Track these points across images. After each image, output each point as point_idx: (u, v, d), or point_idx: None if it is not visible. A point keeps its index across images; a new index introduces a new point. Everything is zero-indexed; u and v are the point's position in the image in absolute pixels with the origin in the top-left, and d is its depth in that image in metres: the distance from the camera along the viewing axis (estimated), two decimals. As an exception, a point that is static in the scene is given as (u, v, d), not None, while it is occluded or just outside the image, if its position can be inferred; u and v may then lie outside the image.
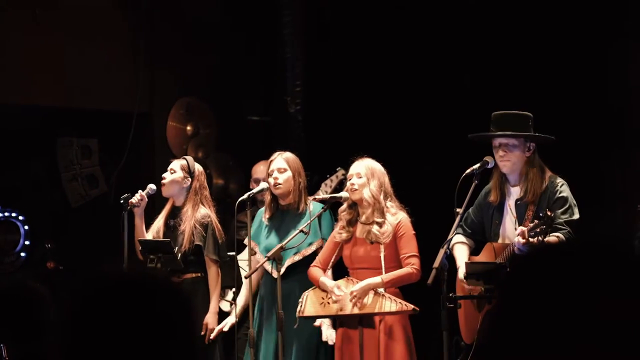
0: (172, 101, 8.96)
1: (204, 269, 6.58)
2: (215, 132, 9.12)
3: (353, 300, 5.85)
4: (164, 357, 1.74)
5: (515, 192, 5.68)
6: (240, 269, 6.84)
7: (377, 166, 6.06)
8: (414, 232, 6.00)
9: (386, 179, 6.06)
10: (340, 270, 6.23)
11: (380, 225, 5.96)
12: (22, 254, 8.68)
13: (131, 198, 6.62)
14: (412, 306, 5.80)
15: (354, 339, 5.92)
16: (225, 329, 6.53)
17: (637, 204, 7.16)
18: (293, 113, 8.64)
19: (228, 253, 6.70)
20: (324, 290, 6.02)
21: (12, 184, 8.69)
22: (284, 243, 6.09)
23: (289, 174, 6.40)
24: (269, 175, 6.45)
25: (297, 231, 6.08)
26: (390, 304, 5.84)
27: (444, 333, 5.50)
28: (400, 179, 7.17)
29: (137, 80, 8.69)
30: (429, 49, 8.12)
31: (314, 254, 6.31)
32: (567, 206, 5.56)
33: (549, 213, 5.26)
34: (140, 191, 6.62)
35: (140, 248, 6.59)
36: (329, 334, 6.27)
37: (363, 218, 6.00)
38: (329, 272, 6.21)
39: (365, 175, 5.98)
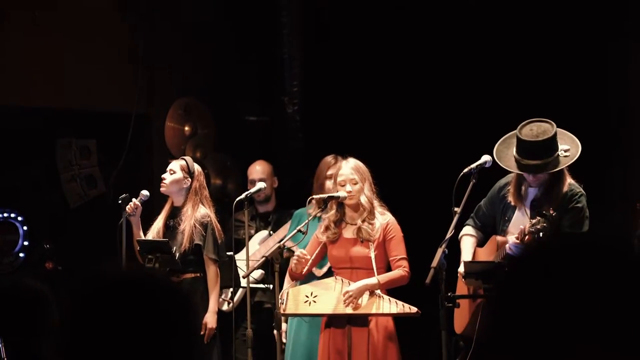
0: (170, 102, 8.96)
1: (203, 269, 6.58)
2: (213, 132, 9.11)
3: (348, 300, 5.85)
4: (164, 357, 1.74)
5: (532, 193, 5.63)
6: (239, 268, 6.84)
7: (363, 166, 6.06)
8: (402, 233, 6.01)
9: (371, 179, 6.07)
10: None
11: (370, 223, 5.97)
12: (21, 255, 8.68)
13: (129, 201, 6.63)
14: (416, 309, 5.78)
15: (343, 337, 5.90)
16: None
17: (637, 202, 7.17)
18: (291, 113, 8.65)
19: (227, 253, 6.71)
20: (304, 285, 6.00)
21: (11, 185, 8.68)
22: (282, 243, 6.09)
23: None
24: (327, 178, 6.44)
25: (295, 230, 6.09)
26: (390, 305, 5.83)
27: (442, 333, 5.49)
28: (398, 177, 7.19)
29: (136, 81, 8.69)
30: (427, 48, 8.12)
31: None
32: (579, 217, 5.51)
33: (551, 212, 5.25)
34: (134, 199, 6.61)
35: (138, 248, 6.59)
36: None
37: (358, 220, 5.99)
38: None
39: (360, 180, 5.98)
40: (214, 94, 9.01)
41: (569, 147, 5.51)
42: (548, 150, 5.45)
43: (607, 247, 1.54)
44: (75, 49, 8.42)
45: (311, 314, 6.03)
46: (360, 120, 8.25)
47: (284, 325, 6.42)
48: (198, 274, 6.58)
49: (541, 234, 5.21)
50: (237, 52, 9.05)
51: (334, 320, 5.96)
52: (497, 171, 5.68)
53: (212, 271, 6.55)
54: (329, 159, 6.58)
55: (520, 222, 5.53)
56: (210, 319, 6.49)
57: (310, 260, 6.04)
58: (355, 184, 5.97)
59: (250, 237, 7.21)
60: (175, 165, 6.74)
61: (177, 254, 6.53)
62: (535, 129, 5.48)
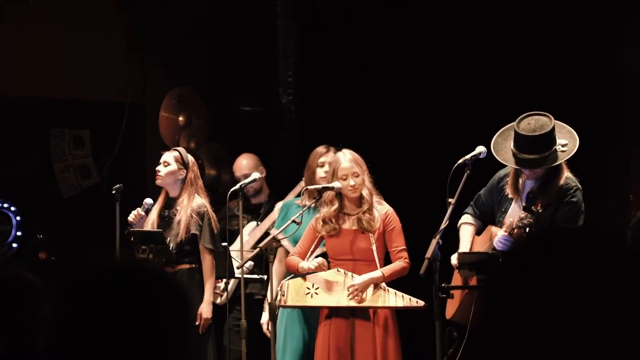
0: (164, 92, 8.94)
1: (199, 259, 6.57)
2: (208, 122, 9.10)
3: (353, 294, 5.84)
4: (159, 347, 1.73)
5: (529, 185, 5.62)
6: (233, 259, 6.83)
7: (359, 157, 6.05)
8: (400, 224, 6.01)
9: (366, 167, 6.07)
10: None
11: (370, 214, 5.97)
12: (14, 245, 8.66)
13: (123, 191, 6.65)
14: (422, 302, 5.78)
15: (346, 330, 5.91)
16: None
17: (630, 194, 7.18)
18: (285, 103, 8.63)
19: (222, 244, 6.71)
20: (304, 277, 5.98)
21: (4, 175, 8.67)
22: (276, 233, 6.09)
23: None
24: (318, 165, 6.42)
25: (289, 221, 6.08)
26: (396, 299, 5.84)
27: (436, 323, 5.50)
28: (393, 168, 7.18)
29: (130, 71, 8.67)
30: (422, 39, 8.11)
31: None
32: (573, 212, 5.49)
33: (538, 208, 5.25)
34: (138, 209, 6.59)
35: (132, 239, 6.58)
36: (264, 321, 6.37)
37: (355, 211, 5.99)
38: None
39: (361, 172, 5.98)
40: (208, 84, 8.99)
41: (567, 142, 5.49)
42: (545, 145, 5.43)
43: (601, 238, 1.54)
44: (69, 38, 8.40)
45: (313, 306, 6.01)
46: (355, 111, 8.24)
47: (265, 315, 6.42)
48: (194, 265, 6.57)
49: (527, 230, 5.21)
50: (231, 42, 9.03)
51: (336, 312, 5.96)
52: (492, 162, 5.67)
53: (207, 261, 6.55)
54: (321, 148, 6.57)
55: (515, 214, 5.53)
56: (205, 309, 6.49)
57: (309, 252, 6.05)
58: (357, 176, 5.97)
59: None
60: (169, 156, 6.72)
61: (172, 245, 6.53)
62: (533, 123, 5.46)
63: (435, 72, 7.99)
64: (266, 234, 6.94)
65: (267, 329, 6.34)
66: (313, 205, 6.22)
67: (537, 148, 5.42)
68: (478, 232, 5.89)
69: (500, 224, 5.68)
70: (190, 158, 6.76)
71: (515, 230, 5.29)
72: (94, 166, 8.93)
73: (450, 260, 5.68)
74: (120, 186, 6.72)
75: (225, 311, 6.83)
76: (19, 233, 8.64)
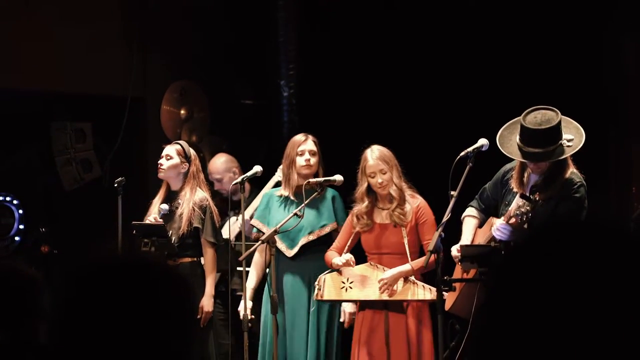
0: (166, 85, 8.94)
1: (200, 253, 6.58)
2: (209, 115, 9.10)
3: (383, 287, 5.88)
4: (161, 340, 1.73)
5: (533, 179, 5.61)
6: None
7: (388, 152, 6.07)
8: (433, 217, 6.01)
9: (397, 162, 6.07)
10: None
11: (402, 208, 5.99)
12: (17, 238, 8.68)
13: (125, 184, 6.66)
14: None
15: (379, 322, 5.95)
16: (247, 312, 6.41)
17: (633, 186, 7.17)
18: (287, 96, 8.63)
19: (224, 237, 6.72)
20: (339, 271, 6.03)
21: (6, 168, 8.67)
22: (278, 226, 6.09)
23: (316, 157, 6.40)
24: (298, 154, 6.41)
25: (291, 214, 6.10)
26: (424, 292, 5.87)
27: (438, 317, 5.51)
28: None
29: (131, 64, 8.66)
30: (424, 31, 8.10)
31: (329, 235, 6.36)
32: (575, 208, 5.47)
33: (536, 197, 5.25)
34: (155, 216, 6.57)
35: (134, 232, 6.59)
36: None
37: (388, 206, 6.00)
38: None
39: (388, 169, 5.99)
40: (209, 77, 8.99)
41: (572, 137, 5.48)
42: (550, 139, 5.41)
43: (605, 229, 1.53)
44: (70, 31, 8.38)
45: (347, 299, 6.11)
46: (357, 103, 8.24)
47: (249, 303, 6.39)
48: (195, 258, 6.58)
49: (524, 217, 5.20)
50: (233, 36, 9.02)
51: (370, 304, 6.01)
52: (494, 155, 5.66)
53: (209, 254, 6.56)
54: (299, 136, 6.53)
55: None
56: (206, 303, 6.49)
57: (346, 247, 6.12)
58: (384, 173, 5.99)
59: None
60: (171, 150, 6.72)
61: (174, 238, 6.53)
62: (540, 117, 5.45)
63: (437, 66, 7.98)
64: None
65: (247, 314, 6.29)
66: (317, 197, 6.25)
67: (542, 142, 5.41)
68: (481, 225, 5.89)
69: (501, 216, 5.67)
70: (192, 151, 6.76)
71: (513, 219, 5.29)
72: (96, 159, 8.93)
73: (451, 252, 5.68)
74: (122, 179, 6.73)
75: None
76: (21, 226, 8.65)
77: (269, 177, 7.08)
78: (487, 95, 7.54)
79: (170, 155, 6.70)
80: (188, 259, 6.58)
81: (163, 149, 6.78)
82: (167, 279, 1.79)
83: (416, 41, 8.12)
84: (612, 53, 7.66)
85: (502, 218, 5.46)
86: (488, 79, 7.68)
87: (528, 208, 5.19)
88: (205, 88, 9.04)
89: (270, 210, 6.49)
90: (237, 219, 7.30)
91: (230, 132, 8.98)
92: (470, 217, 5.88)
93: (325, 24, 8.65)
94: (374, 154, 6.02)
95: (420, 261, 5.90)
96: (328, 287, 6.04)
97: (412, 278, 5.90)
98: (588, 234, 1.53)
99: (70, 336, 1.74)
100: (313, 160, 6.38)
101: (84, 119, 8.93)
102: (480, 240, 5.75)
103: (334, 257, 6.09)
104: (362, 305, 6.07)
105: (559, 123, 5.43)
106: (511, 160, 5.67)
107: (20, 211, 8.64)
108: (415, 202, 6.04)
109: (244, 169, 7.09)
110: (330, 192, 6.44)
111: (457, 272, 5.81)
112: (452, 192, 5.52)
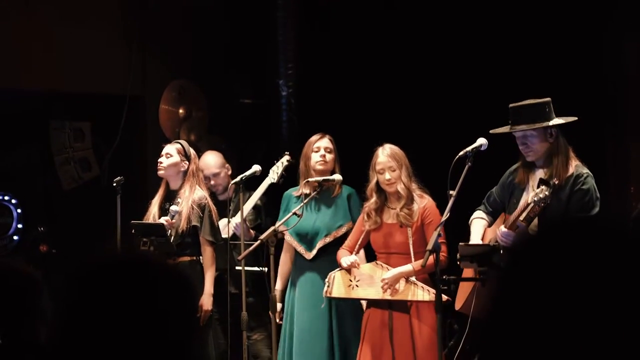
0: (164, 84, 8.94)
1: (199, 252, 6.59)
2: (208, 114, 9.10)
3: (385, 287, 5.90)
4: (162, 339, 1.73)
5: (539, 174, 5.61)
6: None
7: (399, 151, 6.07)
8: (440, 217, 6.01)
9: (408, 162, 6.07)
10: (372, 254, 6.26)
11: (408, 208, 6.00)
12: (15, 238, 8.67)
13: (124, 184, 6.66)
14: (447, 297, 5.79)
15: (384, 321, 5.97)
16: (278, 320, 6.45)
17: (631, 186, 7.17)
18: (286, 96, 8.63)
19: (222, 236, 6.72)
20: (349, 270, 6.06)
21: (5, 167, 8.67)
22: (277, 225, 6.10)
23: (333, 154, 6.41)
24: (314, 151, 6.42)
25: (290, 213, 6.10)
26: (423, 293, 5.89)
27: (437, 315, 5.51)
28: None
29: (130, 63, 8.67)
30: (422, 29, 8.10)
31: (345, 235, 6.36)
32: (586, 199, 5.45)
33: (555, 181, 5.26)
34: (167, 218, 6.57)
35: (133, 231, 6.59)
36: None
37: (396, 206, 6.01)
38: (362, 254, 6.26)
39: (397, 167, 6.00)
40: (208, 76, 8.99)
41: (563, 122, 5.53)
42: (537, 115, 5.47)
43: (606, 229, 1.53)
44: (69, 30, 8.39)
45: (354, 297, 6.14)
46: (356, 103, 8.24)
47: (278, 305, 6.42)
48: (194, 257, 6.58)
49: (544, 203, 5.18)
50: (231, 35, 9.02)
51: (375, 303, 6.05)
52: (493, 154, 5.67)
53: (208, 253, 6.56)
54: (315, 136, 6.56)
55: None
56: (206, 301, 6.50)
57: (357, 245, 6.14)
58: (393, 170, 6.00)
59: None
60: (171, 148, 6.74)
61: (173, 236, 6.53)
62: (527, 100, 5.53)
63: (437, 66, 7.99)
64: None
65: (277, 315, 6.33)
66: (316, 195, 6.25)
67: (529, 118, 5.46)
68: (490, 226, 5.89)
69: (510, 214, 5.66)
70: (192, 151, 6.78)
71: (532, 205, 5.26)
72: (95, 158, 8.94)
73: (456, 253, 5.67)
74: (120, 178, 6.73)
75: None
76: (19, 225, 8.65)
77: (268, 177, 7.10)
78: (486, 94, 7.54)
79: (170, 153, 6.71)
80: (187, 258, 6.58)
81: (162, 148, 6.79)
82: (167, 277, 1.79)
83: (416, 41, 8.13)
84: (612, 53, 7.67)
85: (503, 226, 5.45)
86: (488, 79, 7.68)
87: (547, 193, 5.17)
88: (204, 87, 9.04)
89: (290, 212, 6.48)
90: (228, 220, 7.32)
91: (229, 131, 8.98)
92: (478, 219, 5.86)
93: (325, 23, 8.65)
94: (385, 151, 6.05)
95: (421, 261, 5.90)
96: (337, 284, 6.08)
97: (413, 279, 5.91)
98: (594, 234, 1.53)
99: (71, 335, 1.74)
100: (329, 157, 6.41)
101: (83, 118, 8.93)
102: (492, 235, 5.74)
103: (344, 255, 6.13)
104: (369, 304, 6.11)
105: (547, 103, 5.47)
106: (511, 160, 5.68)
107: (19, 210, 8.63)
108: (422, 202, 6.04)
109: (243, 168, 7.08)
110: (346, 190, 6.45)
111: (468, 272, 5.80)
112: (451, 192, 5.51)
